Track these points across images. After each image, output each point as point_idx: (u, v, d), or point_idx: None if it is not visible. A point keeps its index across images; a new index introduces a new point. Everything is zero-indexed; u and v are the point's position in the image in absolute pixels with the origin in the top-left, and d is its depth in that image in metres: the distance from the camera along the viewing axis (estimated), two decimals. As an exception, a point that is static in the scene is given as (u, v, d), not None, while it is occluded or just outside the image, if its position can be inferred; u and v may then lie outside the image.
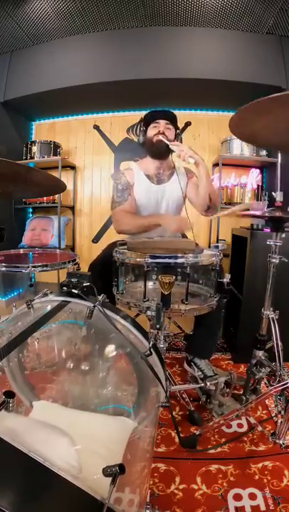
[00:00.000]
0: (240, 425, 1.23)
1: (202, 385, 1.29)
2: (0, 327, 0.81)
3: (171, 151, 1.52)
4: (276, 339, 1.09)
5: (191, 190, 1.61)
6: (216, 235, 2.70)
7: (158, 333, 0.97)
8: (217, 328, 1.46)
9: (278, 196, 1.25)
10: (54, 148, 2.94)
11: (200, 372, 1.40)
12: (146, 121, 1.57)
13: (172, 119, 1.55)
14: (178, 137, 1.59)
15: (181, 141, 1.58)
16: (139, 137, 1.60)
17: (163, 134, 1.50)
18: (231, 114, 0.77)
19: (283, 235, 1.06)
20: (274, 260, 1.06)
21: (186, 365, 1.53)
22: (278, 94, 0.63)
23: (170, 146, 1.45)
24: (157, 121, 1.53)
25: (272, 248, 1.06)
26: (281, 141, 0.88)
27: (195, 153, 1.39)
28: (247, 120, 0.77)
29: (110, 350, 0.84)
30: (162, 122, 1.53)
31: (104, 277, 1.21)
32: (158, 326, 0.94)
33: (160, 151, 1.52)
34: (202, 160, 1.42)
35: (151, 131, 1.54)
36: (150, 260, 1.02)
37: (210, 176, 1.52)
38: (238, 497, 0.92)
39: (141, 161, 1.69)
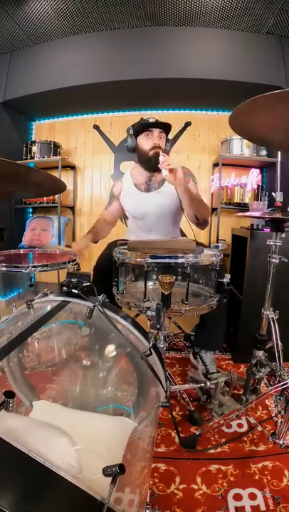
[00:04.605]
0: (240, 425, 1.23)
1: (202, 385, 1.28)
2: (0, 327, 0.81)
3: None
4: (276, 339, 1.09)
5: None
6: (216, 235, 2.70)
7: (158, 333, 0.97)
8: (221, 320, 1.43)
9: (278, 196, 1.25)
10: (54, 148, 2.94)
11: (203, 367, 1.41)
12: (138, 128, 1.49)
13: (165, 128, 1.50)
14: (168, 144, 1.54)
15: (171, 147, 1.59)
16: (128, 142, 1.52)
17: (159, 147, 1.44)
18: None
19: (283, 235, 1.06)
20: (274, 260, 1.06)
21: (191, 357, 1.56)
22: (278, 91, 0.63)
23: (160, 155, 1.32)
24: (150, 129, 1.46)
25: (272, 248, 1.06)
26: (281, 140, 0.88)
27: (176, 169, 1.23)
28: (246, 117, 0.77)
29: (110, 350, 0.85)
30: (156, 132, 1.46)
31: (107, 276, 1.21)
32: (158, 326, 0.94)
33: (156, 166, 1.33)
34: (181, 179, 1.24)
35: (144, 142, 1.48)
36: (150, 260, 1.01)
37: (194, 196, 1.36)
38: (238, 497, 0.92)
39: (133, 169, 1.67)
